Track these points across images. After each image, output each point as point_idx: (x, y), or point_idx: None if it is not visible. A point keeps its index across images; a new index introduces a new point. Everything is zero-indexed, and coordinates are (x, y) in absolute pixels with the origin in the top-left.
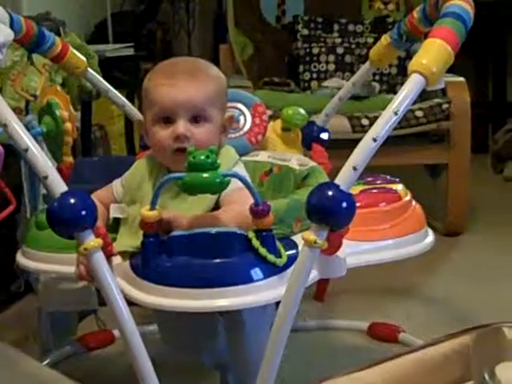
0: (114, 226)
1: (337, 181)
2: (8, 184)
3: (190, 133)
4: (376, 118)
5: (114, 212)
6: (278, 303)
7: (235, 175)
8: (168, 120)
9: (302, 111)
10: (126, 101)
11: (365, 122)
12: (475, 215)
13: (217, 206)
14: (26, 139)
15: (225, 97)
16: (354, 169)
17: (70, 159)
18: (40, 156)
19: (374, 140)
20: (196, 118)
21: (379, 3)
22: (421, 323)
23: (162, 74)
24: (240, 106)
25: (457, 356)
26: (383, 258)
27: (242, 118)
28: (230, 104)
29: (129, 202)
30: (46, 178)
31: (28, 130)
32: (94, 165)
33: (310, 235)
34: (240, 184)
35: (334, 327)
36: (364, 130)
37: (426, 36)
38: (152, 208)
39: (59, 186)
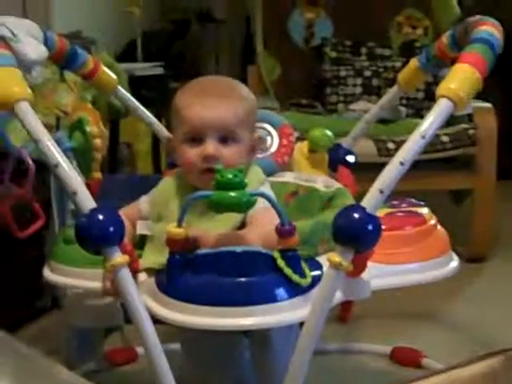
0: (141, 242)
1: (363, 203)
2: (37, 199)
3: (218, 153)
4: (402, 142)
5: (141, 229)
6: (301, 324)
7: (262, 194)
8: (197, 139)
9: (329, 133)
10: (154, 119)
11: (391, 145)
12: (499, 241)
13: (243, 225)
14: (56, 155)
15: (254, 117)
16: (381, 192)
17: (98, 175)
18: (70, 172)
19: (402, 164)
20: (225, 138)
21: (407, 28)
22: (444, 349)
23: (192, 92)
24: (267, 126)
25: (484, 379)
26: (408, 281)
27: (269, 138)
28: (257, 124)
29: (155, 219)
30: (75, 193)
31: (58, 146)
32: (120, 183)
33: (336, 257)
34: (266, 203)
35: (356, 351)
36: (390, 153)
37: (453, 61)
38: (179, 225)
39: (88, 202)
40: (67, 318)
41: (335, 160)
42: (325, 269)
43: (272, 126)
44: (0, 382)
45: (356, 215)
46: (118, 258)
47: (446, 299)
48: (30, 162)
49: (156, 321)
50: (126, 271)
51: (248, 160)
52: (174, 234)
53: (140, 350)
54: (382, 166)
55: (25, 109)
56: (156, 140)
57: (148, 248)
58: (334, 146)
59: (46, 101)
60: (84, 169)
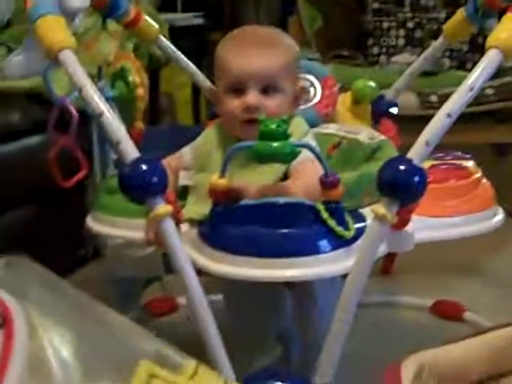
0: (183, 193)
1: (409, 155)
2: (80, 149)
3: (260, 103)
4: (445, 94)
5: (184, 179)
6: (344, 276)
7: (306, 145)
8: (239, 90)
9: (373, 84)
10: (195, 69)
11: (433, 98)
12: None
13: (286, 177)
14: (100, 104)
15: (297, 67)
16: (427, 144)
17: (140, 125)
18: (114, 121)
19: (449, 115)
20: (267, 89)
21: None
22: (486, 303)
23: (233, 43)
24: (310, 77)
25: None
26: (452, 234)
27: (312, 89)
28: (300, 75)
29: (198, 170)
30: (118, 143)
31: (101, 95)
32: (162, 133)
33: (381, 209)
34: (310, 155)
35: (397, 303)
36: (432, 106)
37: (500, 13)
38: (221, 176)
39: (131, 151)
40: (108, 268)
41: (378, 112)
42: (369, 221)
43: (315, 76)
44: (58, 327)
45: (402, 167)
46: (162, 208)
47: (489, 254)
48: (74, 111)
49: (199, 272)
50: (169, 221)
51: (291, 110)
52: (217, 185)
53: (180, 300)
54: (424, 118)
55: (69, 57)
56: (196, 90)
57: (191, 198)
58: (376, 97)
59: (89, 50)
60: (126, 118)
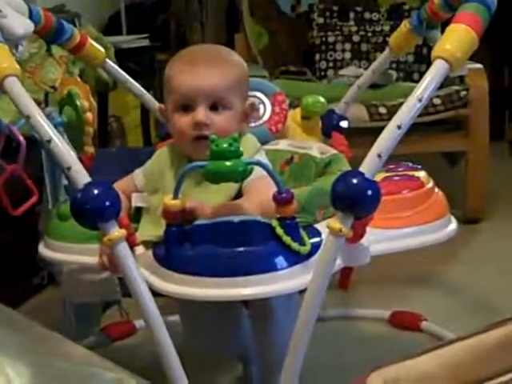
0: (136, 215)
1: (362, 168)
2: (29, 176)
3: (209, 120)
4: (394, 106)
5: (137, 201)
6: (302, 292)
7: (258, 163)
8: (188, 107)
9: (322, 99)
10: (144, 91)
11: (382, 110)
12: (493, 202)
13: (239, 195)
14: (48, 130)
15: (246, 84)
16: (379, 156)
17: (91, 149)
18: (63, 147)
19: (399, 127)
20: (216, 105)
21: None
22: (442, 311)
23: (182, 61)
24: (259, 94)
25: (509, 342)
26: (407, 245)
27: (261, 106)
28: (249, 93)
29: (151, 192)
30: (69, 168)
31: (49, 121)
32: (112, 156)
33: (336, 223)
34: (262, 172)
35: (355, 316)
36: (382, 118)
37: (444, 23)
38: (175, 197)
39: (83, 176)
40: (64, 294)
41: (328, 126)
42: (324, 236)
43: (264, 94)
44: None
45: (355, 181)
46: (116, 232)
47: (442, 262)
48: (21, 138)
49: (155, 293)
50: (123, 245)
51: (241, 127)
52: (171, 206)
53: (138, 323)
54: (374, 130)
55: (14, 84)
56: (145, 112)
57: (144, 220)
58: (326, 112)
59: (34, 76)
60: (76, 143)
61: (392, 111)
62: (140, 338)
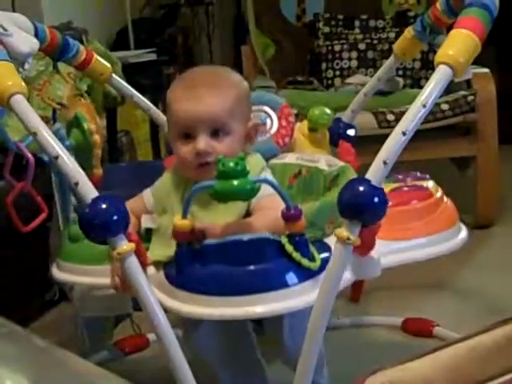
0: (147, 236)
1: (368, 176)
2: (38, 192)
3: (211, 148)
4: (401, 112)
5: (146, 222)
6: None
7: (266, 181)
8: (189, 135)
9: (328, 111)
10: (151, 105)
11: (390, 117)
12: (504, 207)
13: (247, 214)
14: (56, 147)
15: (247, 105)
16: (385, 163)
17: (99, 171)
18: (70, 163)
19: (404, 134)
20: (217, 132)
21: None
22: (454, 317)
23: (181, 86)
24: (266, 108)
25: (510, 342)
26: (418, 256)
27: (268, 120)
28: (255, 107)
29: (160, 212)
30: (76, 184)
31: (56, 137)
32: (122, 171)
33: (343, 232)
34: (270, 190)
35: (367, 324)
36: (390, 125)
37: (449, 28)
38: (184, 217)
39: (90, 191)
40: (76, 309)
41: (336, 134)
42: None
43: (271, 107)
44: (15, 375)
45: (361, 188)
46: (124, 245)
47: (454, 267)
48: (29, 155)
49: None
50: (133, 258)
51: (244, 149)
52: (180, 226)
53: (151, 336)
54: (383, 137)
55: (20, 102)
56: (154, 126)
57: (154, 241)
58: (333, 120)
59: (41, 94)
60: (84, 166)
61: (400, 118)
62: (153, 352)
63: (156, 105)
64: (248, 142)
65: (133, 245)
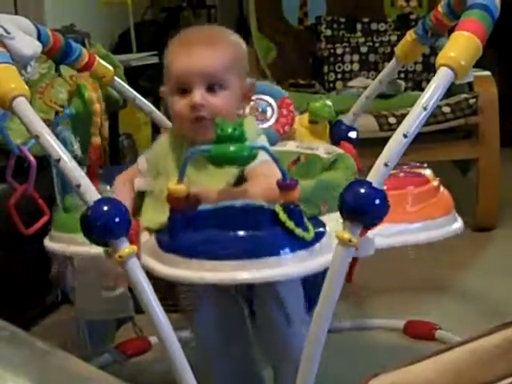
0: (139, 199)
1: (369, 178)
2: (40, 195)
3: (206, 101)
4: (403, 115)
5: (139, 186)
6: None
7: (263, 148)
8: (185, 90)
9: (329, 103)
10: (153, 108)
11: (392, 120)
12: (506, 210)
13: (241, 178)
14: (58, 149)
15: (244, 63)
16: (386, 165)
17: (98, 140)
18: (72, 165)
19: (405, 136)
20: (213, 87)
21: (401, 0)
22: (457, 320)
23: (178, 43)
24: (267, 98)
25: (511, 346)
26: (411, 240)
27: (269, 109)
28: (257, 96)
29: (155, 175)
30: (78, 186)
31: (59, 140)
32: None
33: (344, 234)
34: (266, 157)
35: (369, 327)
36: (391, 128)
37: (451, 31)
38: (179, 181)
39: (92, 194)
40: (78, 312)
41: (337, 137)
42: (328, 228)
43: (272, 97)
44: (18, 378)
45: (362, 190)
46: (126, 248)
47: (455, 270)
48: (31, 158)
49: (167, 309)
50: (134, 261)
51: (240, 107)
52: (175, 191)
53: (153, 339)
54: (384, 140)
55: (23, 105)
56: (156, 129)
57: (147, 205)
58: (335, 122)
59: (43, 97)
60: (83, 134)
61: (401, 121)
62: (155, 355)
63: (158, 108)
64: (245, 99)
65: (134, 247)
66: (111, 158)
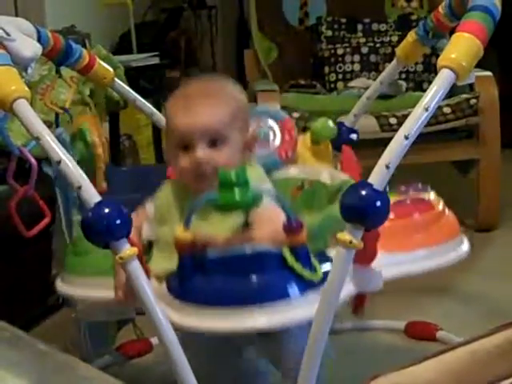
0: (148, 247)
1: (370, 180)
2: (42, 196)
3: (209, 157)
4: (404, 116)
5: (147, 234)
6: None
7: (268, 192)
8: (188, 147)
9: (331, 123)
10: (154, 109)
11: (393, 120)
12: (506, 210)
13: (246, 224)
14: (58, 151)
15: (245, 114)
16: (387, 167)
17: (103, 185)
18: (73, 167)
19: (406, 137)
20: (215, 142)
21: (402, 1)
22: (458, 320)
23: (178, 99)
24: (269, 121)
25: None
26: (420, 268)
27: (271, 133)
28: (258, 120)
29: (160, 223)
30: (79, 188)
31: (59, 142)
32: (124, 174)
33: (345, 235)
34: (271, 201)
35: (370, 328)
36: (392, 128)
37: (451, 32)
38: (186, 228)
39: (93, 195)
40: (79, 313)
41: (338, 139)
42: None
43: (273, 119)
44: (18, 379)
45: (363, 192)
46: (127, 250)
47: (457, 271)
48: (32, 159)
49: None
50: (135, 263)
51: (244, 158)
52: (182, 238)
53: (154, 340)
54: (385, 141)
55: (23, 106)
56: (157, 130)
57: (155, 254)
58: (336, 124)
59: (44, 98)
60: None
61: (402, 122)
62: (156, 356)
63: (159, 109)
64: (247, 151)
65: (135, 249)
66: (112, 160)
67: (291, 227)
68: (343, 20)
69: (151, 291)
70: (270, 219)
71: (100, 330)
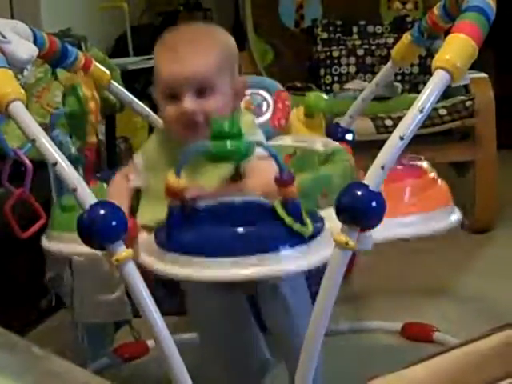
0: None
1: (366, 181)
2: (37, 198)
3: (197, 107)
4: (400, 118)
5: (135, 182)
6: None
7: (261, 143)
8: (175, 95)
9: (325, 96)
10: (150, 111)
11: (388, 122)
12: (503, 211)
13: (236, 174)
14: (54, 153)
15: (234, 61)
16: (382, 168)
17: (93, 139)
18: (68, 169)
19: (401, 138)
20: (203, 91)
21: (397, 3)
22: (454, 322)
23: (165, 45)
24: (262, 92)
25: (506, 349)
26: (409, 233)
27: (264, 103)
28: (253, 91)
29: (149, 172)
30: (75, 190)
31: (55, 143)
32: None
33: (342, 237)
34: (263, 152)
35: (367, 329)
36: (388, 130)
37: (447, 33)
38: (177, 176)
39: (88, 197)
40: (76, 315)
41: (334, 139)
42: (326, 222)
43: (268, 91)
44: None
45: (359, 193)
46: (123, 252)
47: (454, 272)
48: (27, 161)
49: (165, 313)
50: (131, 265)
51: (234, 106)
52: (174, 185)
53: (150, 342)
54: (381, 143)
55: (19, 109)
56: (153, 132)
57: (144, 204)
58: (332, 125)
59: (40, 100)
60: (79, 133)
61: (398, 123)
62: (152, 358)
63: (155, 111)
64: (238, 98)
65: (130, 251)
66: (108, 162)
67: (283, 179)
68: (339, 22)
69: (147, 293)
70: (262, 170)
71: (97, 333)
